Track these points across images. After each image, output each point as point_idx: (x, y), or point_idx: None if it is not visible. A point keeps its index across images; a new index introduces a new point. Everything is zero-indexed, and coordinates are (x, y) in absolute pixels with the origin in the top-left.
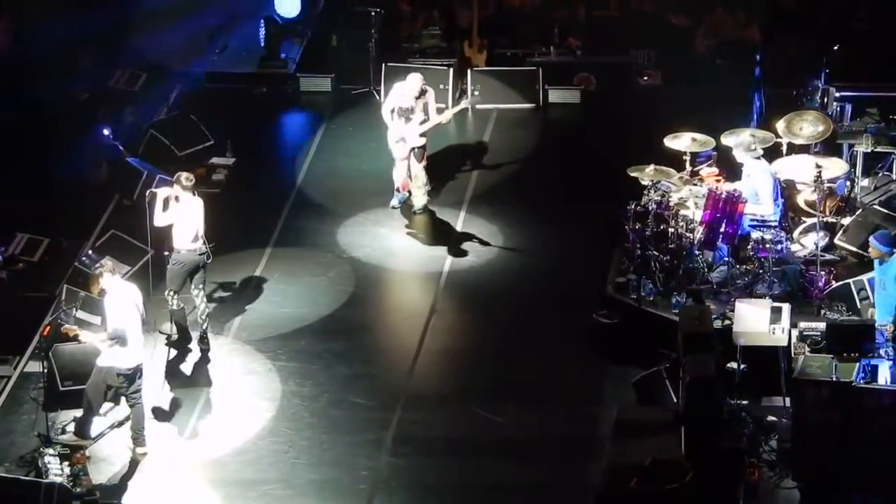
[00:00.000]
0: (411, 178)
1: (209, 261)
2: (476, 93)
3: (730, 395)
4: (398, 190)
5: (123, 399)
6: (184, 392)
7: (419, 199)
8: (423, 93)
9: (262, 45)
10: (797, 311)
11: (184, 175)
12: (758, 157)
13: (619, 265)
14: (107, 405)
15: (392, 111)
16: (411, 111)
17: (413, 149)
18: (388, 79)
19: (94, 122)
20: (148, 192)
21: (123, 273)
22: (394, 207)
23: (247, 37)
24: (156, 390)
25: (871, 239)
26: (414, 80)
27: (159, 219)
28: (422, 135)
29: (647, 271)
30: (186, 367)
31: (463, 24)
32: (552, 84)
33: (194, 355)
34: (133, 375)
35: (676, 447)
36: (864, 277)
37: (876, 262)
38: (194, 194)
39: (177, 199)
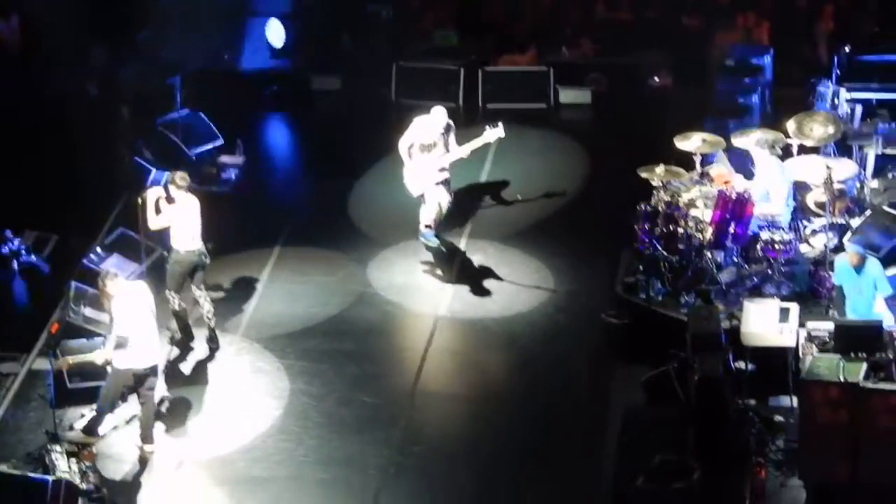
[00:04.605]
0: (441, 211)
1: (208, 261)
2: (500, 124)
3: (738, 394)
4: (429, 227)
5: (131, 396)
6: (192, 390)
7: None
8: (448, 128)
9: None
10: (805, 312)
11: (178, 174)
12: (775, 156)
13: (628, 265)
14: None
15: (410, 146)
16: (433, 146)
17: (439, 182)
18: (398, 78)
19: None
20: (139, 196)
21: (132, 272)
22: (432, 247)
23: (258, 35)
24: (164, 388)
25: (850, 245)
26: (439, 115)
27: (154, 222)
28: (442, 169)
29: (657, 271)
30: (195, 365)
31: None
32: (563, 84)
33: (202, 353)
34: (149, 374)
35: (684, 446)
36: None
37: (852, 270)
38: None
39: (168, 199)
